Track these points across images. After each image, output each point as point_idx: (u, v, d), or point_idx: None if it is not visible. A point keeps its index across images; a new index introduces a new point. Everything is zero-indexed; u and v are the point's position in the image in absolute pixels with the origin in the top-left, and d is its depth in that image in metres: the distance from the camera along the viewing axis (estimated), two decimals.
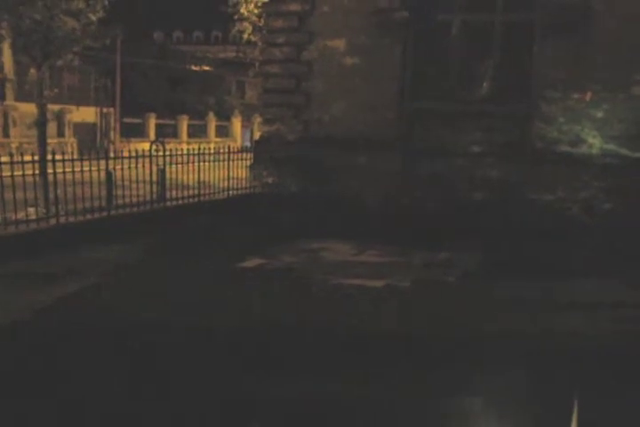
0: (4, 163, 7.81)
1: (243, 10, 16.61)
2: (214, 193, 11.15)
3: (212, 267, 7.58)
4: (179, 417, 3.93)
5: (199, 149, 11.32)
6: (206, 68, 43.53)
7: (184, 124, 38.59)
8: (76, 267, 7.41)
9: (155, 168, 10.47)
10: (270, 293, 6.62)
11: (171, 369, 4.56)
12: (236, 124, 42.89)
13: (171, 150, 10.82)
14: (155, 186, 10.36)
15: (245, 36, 17.61)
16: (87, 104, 34.18)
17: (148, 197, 10.03)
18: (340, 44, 10.60)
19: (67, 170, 8.91)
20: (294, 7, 10.79)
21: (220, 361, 4.71)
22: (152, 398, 4.15)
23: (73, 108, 31.74)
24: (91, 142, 31.71)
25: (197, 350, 4.92)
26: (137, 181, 10.09)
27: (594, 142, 9.35)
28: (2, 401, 4.03)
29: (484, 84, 10.07)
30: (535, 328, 5.58)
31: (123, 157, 9.87)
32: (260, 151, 11.36)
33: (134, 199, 9.81)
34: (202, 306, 6.10)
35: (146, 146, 12.62)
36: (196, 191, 10.79)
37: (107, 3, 11.20)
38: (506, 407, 4.00)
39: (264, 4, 12.30)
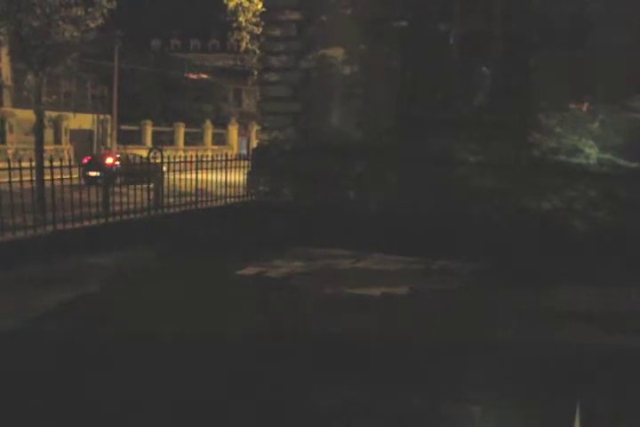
0: (2, 169, 7.81)
1: (241, 18, 16.67)
2: (212, 200, 11.14)
3: (211, 275, 7.59)
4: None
5: (196, 156, 11.31)
6: (204, 75, 43.70)
7: (181, 131, 38.69)
8: (76, 274, 7.42)
9: None
10: (269, 302, 6.61)
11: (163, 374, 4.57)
12: (233, 131, 42.98)
13: (168, 157, 10.81)
14: (152, 193, 10.34)
15: (243, 44, 17.67)
16: (84, 111, 34.26)
17: (145, 204, 10.00)
18: (338, 52, 10.65)
19: (64, 176, 8.90)
20: (293, 16, 10.84)
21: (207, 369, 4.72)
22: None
23: (70, 114, 31.82)
24: (87, 149, 31.73)
25: (202, 359, 4.93)
26: (134, 188, 10.09)
27: (590, 152, 9.39)
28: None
29: (481, 94, 10.10)
30: (540, 339, 5.49)
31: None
32: (258, 159, 11.38)
33: (131, 206, 9.79)
34: (200, 315, 6.09)
35: (143, 153, 12.63)
36: (194, 198, 10.78)
37: (106, 10, 11.26)
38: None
39: (262, 12, 12.35)
